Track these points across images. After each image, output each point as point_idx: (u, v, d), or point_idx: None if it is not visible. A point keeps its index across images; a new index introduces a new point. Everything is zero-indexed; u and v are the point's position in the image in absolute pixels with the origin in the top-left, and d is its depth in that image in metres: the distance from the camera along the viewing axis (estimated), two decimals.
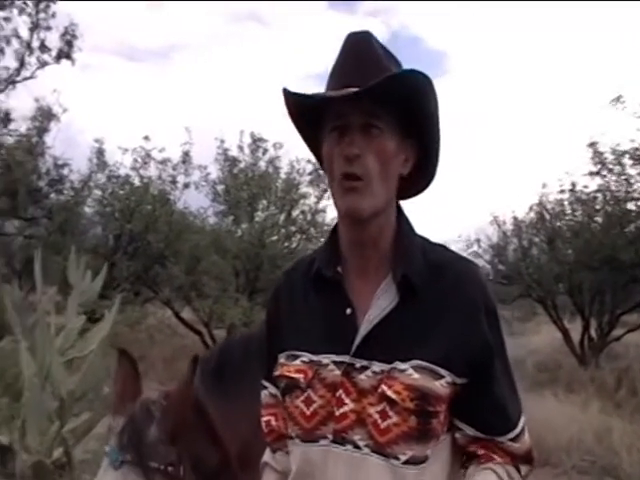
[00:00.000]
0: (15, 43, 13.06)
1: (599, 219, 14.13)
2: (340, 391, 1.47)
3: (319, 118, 1.56)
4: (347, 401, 1.46)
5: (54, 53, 13.36)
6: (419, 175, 1.63)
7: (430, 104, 1.54)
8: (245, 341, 2.27)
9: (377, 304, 1.50)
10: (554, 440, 7.61)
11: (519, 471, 1.53)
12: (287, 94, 1.56)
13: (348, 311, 1.52)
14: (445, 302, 1.48)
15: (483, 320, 1.48)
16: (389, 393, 1.41)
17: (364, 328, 1.48)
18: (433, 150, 1.61)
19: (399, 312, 1.48)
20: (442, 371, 1.43)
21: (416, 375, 1.41)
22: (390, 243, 1.56)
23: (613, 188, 13.50)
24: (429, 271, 1.51)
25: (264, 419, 1.74)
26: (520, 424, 1.52)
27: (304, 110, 1.57)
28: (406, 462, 1.42)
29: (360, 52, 1.54)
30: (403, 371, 1.42)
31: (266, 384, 1.74)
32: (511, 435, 1.50)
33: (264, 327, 1.78)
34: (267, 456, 1.78)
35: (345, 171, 1.47)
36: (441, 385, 1.42)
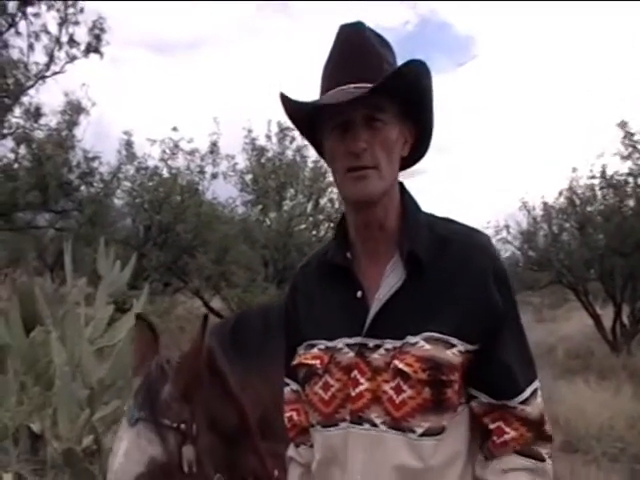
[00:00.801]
0: (44, 38, 13.16)
1: (630, 203, 13.93)
2: (355, 372, 1.51)
3: (317, 116, 1.58)
4: (362, 381, 1.49)
5: (83, 47, 13.44)
6: (414, 152, 1.65)
7: (428, 89, 1.57)
8: (264, 312, 2.29)
9: (386, 283, 1.53)
10: (585, 427, 7.57)
11: (543, 459, 1.51)
12: (285, 100, 1.58)
13: (359, 294, 1.55)
14: (453, 273, 1.49)
15: (492, 287, 1.49)
16: (401, 366, 1.44)
17: (374, 307, 1.51)
18: (428, 130, 1.64)
19: (407, 288, 1.50)
20: (453, 340, 1.45)
21: (427, 346, 1.44)
22: (396, 223, 1.58)
23: None
24: (436, 245, 1.53)
25: (286, 415, 1.78)
26: (530, 388, 1.51)
27: (303, 114, 1.60)
28: (423, 434, 1.44)
29: (355, 45, 1.55)
30: (414, 344, 1.45)
31: (287, 381, 1.78)
32: (520, 398, 1.49)
33: (284, 325, 1.80)
34: (291, 451, 1.82)
35: (352, 165, 1.50)
36: (453, 354, 1.44)
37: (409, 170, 1.71)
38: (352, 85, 1.49)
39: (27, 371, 4.86)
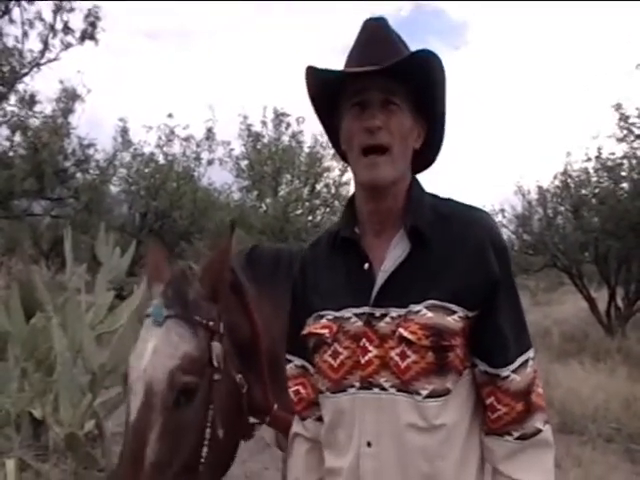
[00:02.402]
0: (39, 26, 13.10)
1: (625, 186, 13.94)
2: (363, 340, 1.59)
3: (337, 98, 1.67)
4: (370, 348, 1.57)
5: (78, 35, 13.38)
6: (427, 150, 1.74)
7: (440, 82, 1.65)
8: (275, 251, 2.35)
9: (391, 255, 1.61)
10: (580, 408, 7.62)
11: (539, 431, 1.59)
12: (311, 70, 1.65)
13: (366, 266, 1.63)
14: (454, 245, 1.58)
15: (491, 257, 1.57)
16: (405, 334, 1.52)
17: (380, 278, 1.60)
18: (440, 126, 1.73)
19: (411, 260, 1.59)
20: (454, 307, 1.53)
21: (430, 314, 1.52)
22: (402, 205, 1.66)
23: (639, 154, 13.34)
24: (438, 221, 1.62)
25: (292, 389, 1.85)
26: (522, 357, 1.59)
27: (325, 88, 1.67)
28: (428, 396, 1.53)
29: (377, 36, 1.65)
30: (417, 312, 1.53)
31: (290, 357, 1.86)
32: (512, 367, 1.57)
33: (291, 303, 1.87)
34: (297, 426, 1.88)
35: (367, 143, 1.58)
36: (454, 320, 1.53)
37: None
38: (374, 66, 1.56)
39: (28, 357, 4.88)
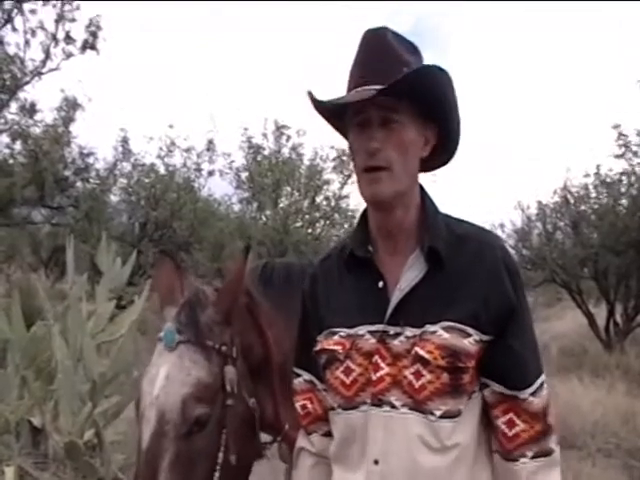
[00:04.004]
0: (41, 35, 13.12)
1: (624, 202, 13.97)
2: (376, 357, 1.59)
3: (343, 111, 1.67)
4: (383, 365, 1.57)
5: (79, 44, 13.40)
6: (441, 152, 1.73)
7: (446, 93, 1.64)
8: (286, 266, 2.33)
9: (407, 275, 1.61)
10: (579, 423, 7.60)
11: (552, 451, 1.61)
12: (310, 98, 1.68)
13: (380, 284, 1.63)
14: (469, 268, 1.58)
15: (506, 281, 1.58)
16: (422, 353, 1.52)
17: (396, 297, 1.59)
18: (453, 130, 1.72)
19: (427, 281, 1.59)
20: (469, 329, 1.54)
21: (446, 335, 1.53)
22: (415, 221, 1.67)
23: (638, 171, 13.37)
24: (453, 242, 1.62)
25: (299, 403, 1.85)
26: (539, 379, 1.61)
27: (328, 110, 1.70)
28: (441, 416, 1.53)
29: (377, 49, 1.64)
30: (434, 332, 1.53)
31: (299, 371, 1.86)
32: (531, 389, 1.58)
33: (300, 317, 1.87)
34: (302, 441, 1.87)
35: (367, 165, 1.59)
36: (469, 343, 1.53)
37: None
38: (370, 87, 1.57)
39: (28, 365, 4.87)
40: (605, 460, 6.81)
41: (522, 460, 1.59)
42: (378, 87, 1.54)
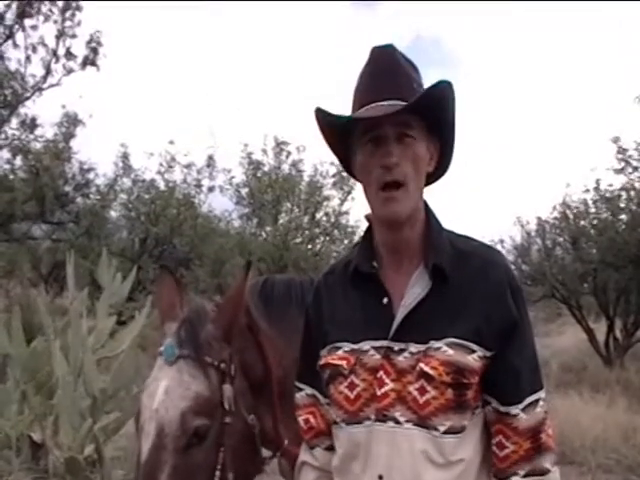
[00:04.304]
0: (42, 51, 13.19)
1: (624, 217, 13.99)
2: (380, 372, 1.60)
3: (349, 132, 1.68)
4: (387, 381, 1.58)
5: (80, 60, 13.46)
6: (439, 167, 1.76)
7: (453, 108, 1.67)
8: (287, 281, 2.33)
9: (411, 292, 1.62)
10: (579, 439, 7.59)
11: (547, 471, 1.60)
12: (321, 114, 1.67)
13: (385, 300, 1.64)
14: (473, 285, 1.60)
15: (509, 298, 1.60)
16: (427, 369, 1.54)
17: (401, 313, 1.60)
18: (451, 146, 1.74)
19: (432, 297, 1.60)
20: (474, 346, 1.55)
21: (450, 351, 1.54)
22: (420, 237, 1.68)
23: (637, 186, 13.40)
24: (457, 259, 1.63)
25: (302, 418, 1.85)
26: (533, 396, 1.61)
27: (335, 126, 1.69)
28: (445, 432, 1.54)
29: (387, 65, 1.66)
30: (438, 349, 1.55)
31: (301, 386, 1.86)
32: (522, 405, 1.59)
33: (303, 330, 1.88)
34: (304, 455, 1.88)
35: (385, 180, 1.60)
36: (473, 359, 1.55)
37: None
38: (385, 102, 1.59)
39: (28, 380, 4.86)
40: (605, 476, 6.81)
41: (513, 479, 1.59)
42: (393, 102, 1.58)
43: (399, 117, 1.58)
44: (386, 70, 1.66)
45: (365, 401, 1.61)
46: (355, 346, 1.66)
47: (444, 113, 1.65)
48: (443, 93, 1.60)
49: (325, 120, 1.69)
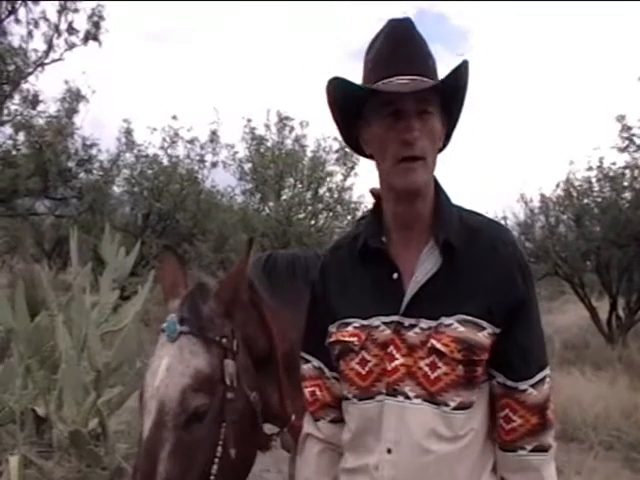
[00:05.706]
0: (43, 26, 13.11)
1: (627, 195, 13.95)
2: (391, 347, 1.60)
3: (362, 101, 1.65)
4: (397, 356, 1.59)
5: (82, 35, 13.38)
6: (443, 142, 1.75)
7: (466, 85, 1.66)
8: (290, 257, 2.34)
9: (422, 267, 1.62)
10: (581, 416, 7.63)
11: (550, 446, 1.64)
12: (337, 82, 1.63)
13: (395, 276, 1.64)
14: (482, 261, 1.60)
15: (518, 276, 1.61)
16: (438, 346, 1.55)
17: (411, 289, 1.61)
18: (456, 120, 1.74)
19: (442, 273, 1.60)
20: (484, 323, 1.56)
21: (462, 328, 1.55)
22: (430, 212, 1.68)
23: None
24: (466, 235, 1.63)
25: (308, 390, 1.85)
26: (542, 373, 1.63)
27: (350, 97, 1.66)
28: (456, 408, 1.55)
29: (406, 39, 1.64)
30: (449, 325, 1.55)
31: (308, 357, 1.86)
32: (531, 381, 1.61)
33: (309, 303, 1.88)
34: (309, 427, 1.88)
35: (405, 155, 1.58)
36: (484, 336, 1.56)
37: None
38: (406, 77, 1.57)
39: (32, 355, 4.89)
40: (606, 453, 6.83)
41: (519, 452, 1.62)
42: (414, 77, 1.57)
43: (422, 94, 1.57)
44: (405, 44, 1.64)
45: (377, 376, 1.62)
46: (365, 322, 1.66)
47: (461, 92, 1.66)
48: (466, 70, 1.60)
49: (340, 91, 1.66)
